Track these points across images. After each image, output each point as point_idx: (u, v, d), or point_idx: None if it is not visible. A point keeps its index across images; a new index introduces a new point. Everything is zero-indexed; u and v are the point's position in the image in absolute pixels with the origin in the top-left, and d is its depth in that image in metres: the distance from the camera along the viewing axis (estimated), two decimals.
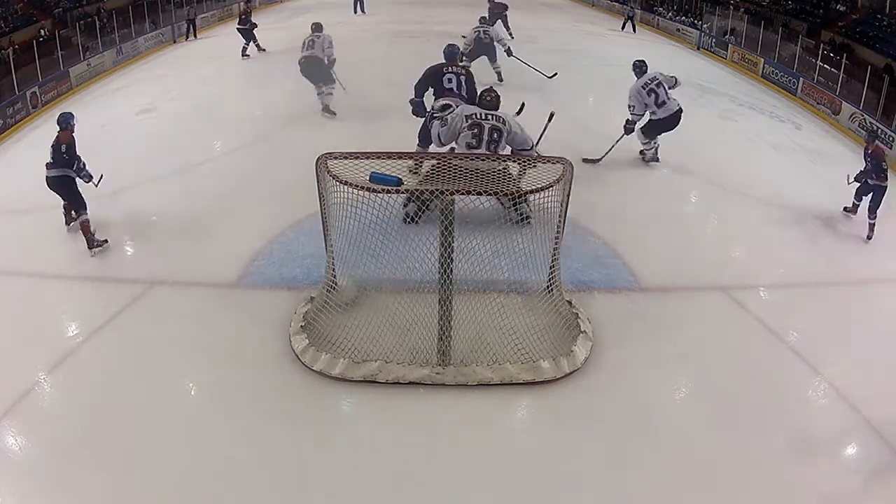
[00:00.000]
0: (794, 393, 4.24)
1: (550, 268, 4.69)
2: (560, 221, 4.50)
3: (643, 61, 7.39)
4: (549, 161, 4.31)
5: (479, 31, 10.96)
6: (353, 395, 4.10)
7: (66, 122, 5.50)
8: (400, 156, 4.42)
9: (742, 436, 3.85)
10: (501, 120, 5.36)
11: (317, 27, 9.10)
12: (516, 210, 5.08)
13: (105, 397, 4.02)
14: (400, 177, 4.06)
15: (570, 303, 4.76)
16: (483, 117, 5.33)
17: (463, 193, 3.95)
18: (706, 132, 9.32)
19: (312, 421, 3.92)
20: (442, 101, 5.98)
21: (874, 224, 6.28)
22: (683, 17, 18.78)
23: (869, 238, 6.26)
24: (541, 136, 6.47)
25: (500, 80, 10.70)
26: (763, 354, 4.57)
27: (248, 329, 4.62)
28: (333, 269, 4.65)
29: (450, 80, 6.54)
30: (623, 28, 18.37)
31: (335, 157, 4.21)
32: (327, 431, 3.88)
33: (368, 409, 4.02)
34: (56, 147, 5.44)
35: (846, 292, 5.35)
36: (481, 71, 10.07)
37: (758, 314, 4.96)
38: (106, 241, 5.61)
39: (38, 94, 10.70)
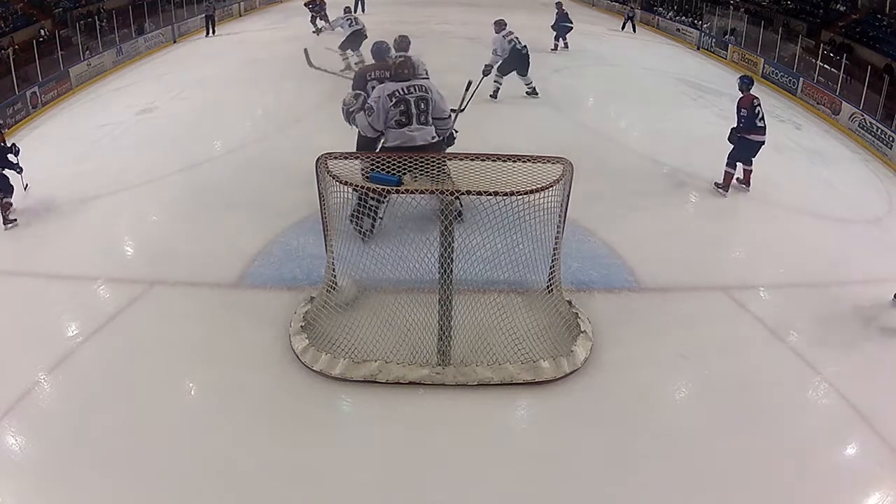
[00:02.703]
0: (794, 393, 4.24)
1: (550, 268, 4.69)
2: (560, 221, 4.50)
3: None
4: (549, 161, 4.31)
5: (511, 37, 9.43)
6: (353, 395, 4.10)
7: None
8: (400, 156, 4.42)
9: (742, 436, 3.85)
10: (424, 88, 5.14)
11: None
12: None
13: (105, 397, 4.01)
14: (400, 176, 4.06)
15: (569, 303, 4.76)
16: (407, 91, 5.07)
17: (463, 194, 3.95)
18: (706, 132, 9.31)
19: (312, 421, 3.91)
20: (354, 92, 5.66)
21: (750, 171, 6.88)
22: (683, 17, 18.82)
23: (731, 184, 6.86)
24: (462, 104, 6.44)
25: (536, 94, 9.89)
26: (763, 354, 4.56)
27: (248, 329, 4.61)
28: (333, 269, 4.65)
29: (374, 88, 5.86)
30: (623, 28, 18.40)
31: (335, 157, 4.21)
32: (327, 431, 3.88)
33: (368, 409, 4.01)
34: None
35: (846, 292, 5.34)
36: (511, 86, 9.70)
37: (758, 314, 4.96)
38: (16, 220, 6.18)
39: (38, 94, 10.71)
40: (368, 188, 4.07)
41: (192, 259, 5.47)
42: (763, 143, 6.73)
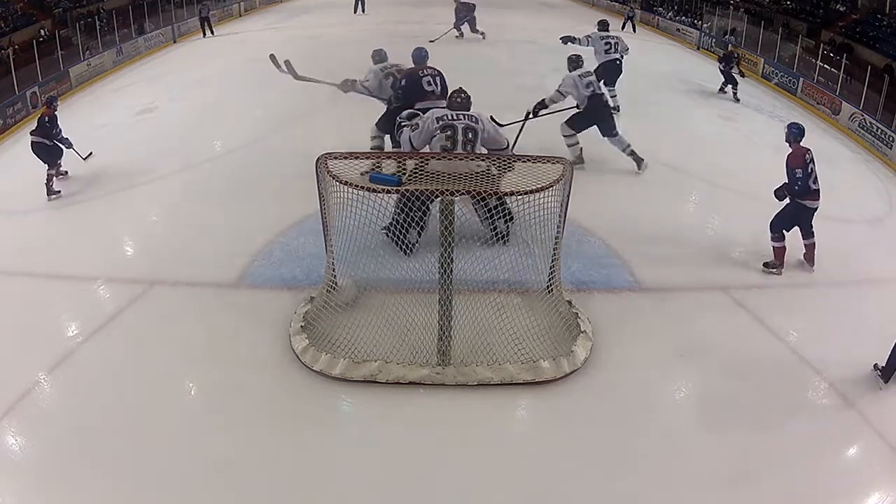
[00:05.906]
0: (794, 393, 4.24)
1: (550, 268, 4.69)
2: (560, 221, 4.50)
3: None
4: (548, 161, 4.31)
5: (589, 80, 7.18)
6: (354, 395, 4.10)
7: (48, 101, 7.15)
8: (400, 156, 4.43)
9: (741, 436, 3.85)
10: (474, 119, 5.06)
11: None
12: (492, 226, 5.03)
13: (105, 397, 4.02)
14: (400, 176, 4.06)
15: (570, 303, 4.76)
16: (455, 118, 5.02)
17: (463, 194, 3.96)
18: (706, 132, 9.33)
19: (313, 421, 3.92)
20: (409, 111, 5.69)
21: (813, 246, 5.47)
22: (683, 17, 18.80)
23: (807, 262, 5.53)
24: (517, 135, 6.43)
25: (640, 161, 7.33)
26: (763, 354, 4.56)
27: (248, 329, 4.62)
28: (333, 269, 4.66)
29: (429, 83, 6.39)
30: (623, 28, 18.34)
31: (335, 157, 4.21)
32: (327, 431, 3.88)
33: (368, 409, 4.02)
34: (40, 119, 6.86)
35: (846, 292, 5.34)
36: None
37: (758, 314, 4.96)
38: (59, 191, 6.76)
39: (38, 94, 10.70)
40: (370, 188, 4.06)
41: (191, 259, 5.47)
42: (817, 208, 5.39)
